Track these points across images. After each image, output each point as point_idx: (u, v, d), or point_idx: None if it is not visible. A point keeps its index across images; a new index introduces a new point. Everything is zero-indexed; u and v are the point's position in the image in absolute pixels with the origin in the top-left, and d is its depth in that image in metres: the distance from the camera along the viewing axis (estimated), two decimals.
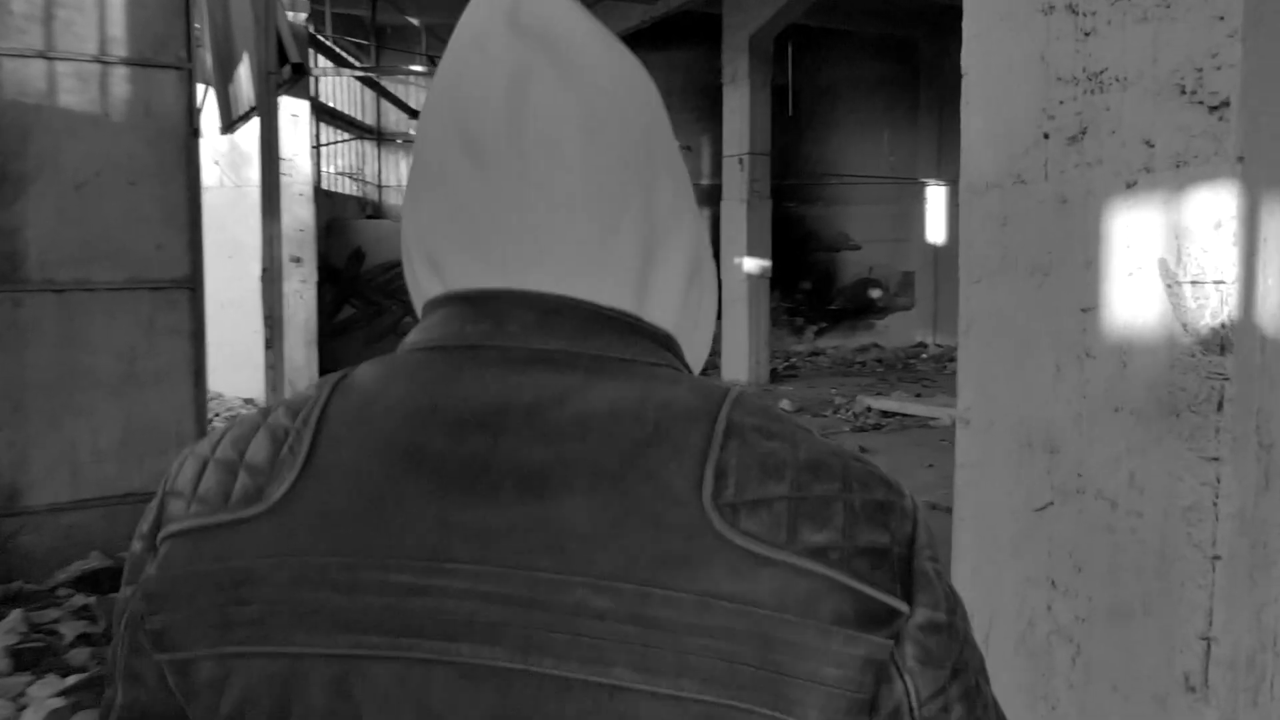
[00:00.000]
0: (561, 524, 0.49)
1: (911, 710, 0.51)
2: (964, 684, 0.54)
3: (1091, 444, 1.78)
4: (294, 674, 0.51)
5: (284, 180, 9.27)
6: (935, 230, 17.65)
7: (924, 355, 16.43)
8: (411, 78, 16.58)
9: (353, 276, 14.25)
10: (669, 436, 0.52)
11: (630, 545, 0.49)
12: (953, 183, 16.96)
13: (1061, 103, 1.82)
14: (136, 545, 0.58)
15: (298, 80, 3.75)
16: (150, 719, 0.57)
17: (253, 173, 9.25)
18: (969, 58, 2.01)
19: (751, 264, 12.88)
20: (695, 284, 0.63)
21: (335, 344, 14.06)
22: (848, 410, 10.56)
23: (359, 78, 15.05)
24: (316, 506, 0.52)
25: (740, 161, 12.95)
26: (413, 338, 0.59)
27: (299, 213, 9.69)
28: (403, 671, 0.49)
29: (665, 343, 0.59)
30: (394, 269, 14.38)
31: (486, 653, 0.49)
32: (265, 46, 3.56)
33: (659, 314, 0.60)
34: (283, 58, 3.66)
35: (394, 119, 17.25)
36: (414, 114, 17.08)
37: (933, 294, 17.67)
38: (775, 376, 13.65)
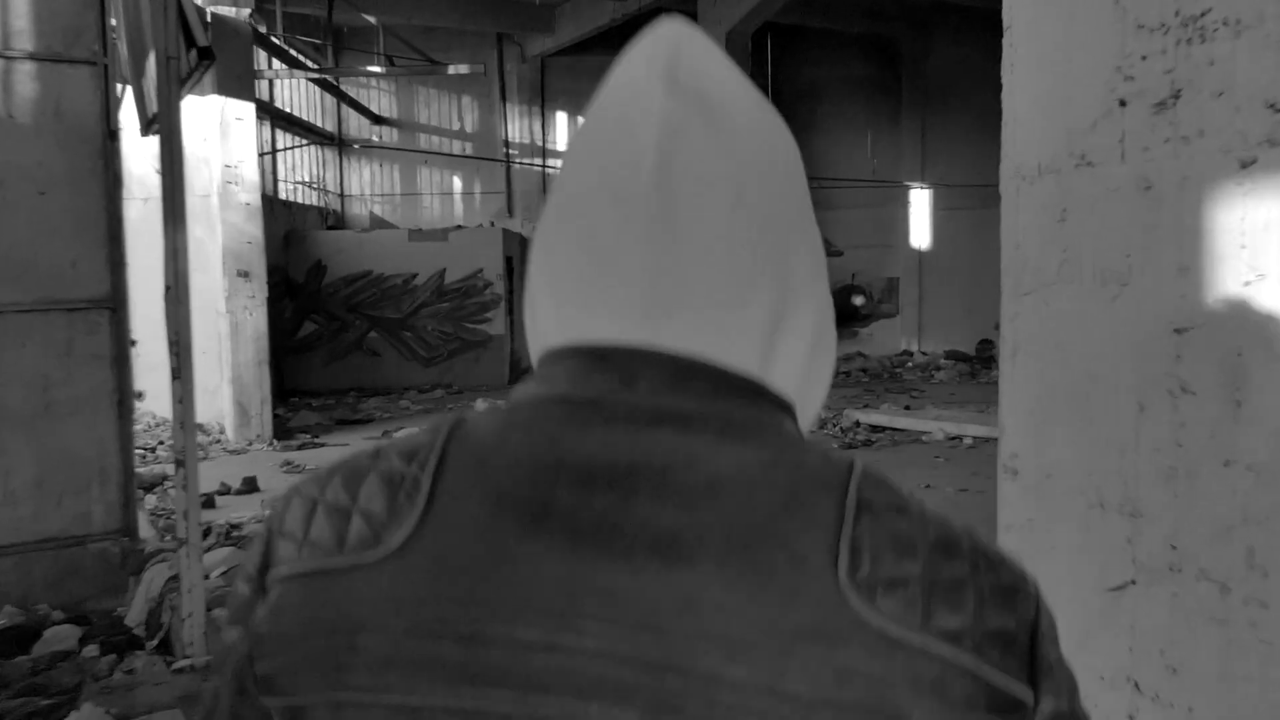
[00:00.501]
0: (695, 590, 0.50)
1: None
2: None
3: (1190, 507, 1.43)
4: None
5: (228, 189, 8.84)
6: (919, 235, 17.55)
7: (909, 364, 16.38)
8: (373, 80, 16.06)
9: (314, 291, 13.80)
10: (802, 506, 0.52)
11: (765, 615, 0.50)
12: (937, 186, 16.81)
13: (1144, 58, 1.41)
14: (243, 587, 0.59)
15: (206, 68, 3.30)
16: None
17: (200, 180, 8.72)
18: (1014, 6, 1.58)
19: None
20: (817, 352, 0.63)
21: (296, 360, 13.62)
22: (835, 425, 10.15)
23: (315, 80, 14.52)
24: (437, 556, 0.53)
25: None
26: (533, 389, 0.59)
27: (244, 225, 9.24)
28: None
29: (786, 409, 0.60)
30: (357, 282, 13.94)
31: (617, 714, 0.49)
32: (165, 26, 3.09)
33: (781, 380, 0.60)
34: (189, 42, 3.21)
35: (355, 124, 16.73)
36: (376, 119, 16.60)
37: (917, 300, 17.62)
38: None
